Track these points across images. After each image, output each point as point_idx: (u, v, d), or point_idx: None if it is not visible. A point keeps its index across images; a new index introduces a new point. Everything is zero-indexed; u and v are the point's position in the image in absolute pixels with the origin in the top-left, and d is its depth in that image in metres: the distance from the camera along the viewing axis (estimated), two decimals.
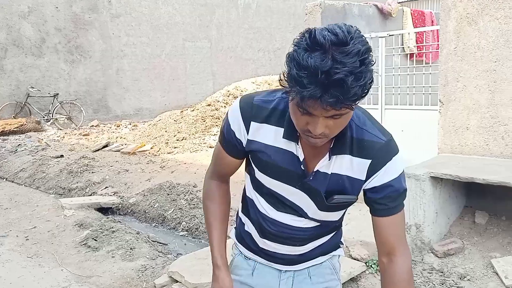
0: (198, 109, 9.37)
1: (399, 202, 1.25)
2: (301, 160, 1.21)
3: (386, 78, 4.73)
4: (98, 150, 8.18)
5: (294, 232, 1.34)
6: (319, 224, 1.34)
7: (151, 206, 5.33)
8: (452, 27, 3.91)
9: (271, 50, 16.09)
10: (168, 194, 5.39)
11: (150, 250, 4.09)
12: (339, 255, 1.50)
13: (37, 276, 3.60)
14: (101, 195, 5.87)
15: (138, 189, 5.85)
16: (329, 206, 1.27)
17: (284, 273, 1.44)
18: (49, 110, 11.35)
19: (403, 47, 5.79)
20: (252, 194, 1.39)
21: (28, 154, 8.13)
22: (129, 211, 5.47)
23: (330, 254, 1.47)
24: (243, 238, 1.47)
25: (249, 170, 1.37)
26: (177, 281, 3.33)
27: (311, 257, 1.42)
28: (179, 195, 5.30)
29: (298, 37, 1.01)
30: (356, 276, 3.33)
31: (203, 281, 3.14)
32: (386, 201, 1.23)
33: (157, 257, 3.94)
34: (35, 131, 10.46)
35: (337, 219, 1.38)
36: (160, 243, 4.43)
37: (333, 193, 1.24)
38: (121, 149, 8.08)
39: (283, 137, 1.21)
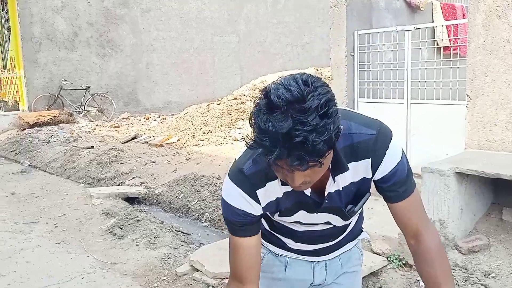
0: (224, 102, 9.44)
1: (409, 183, 1.24)
2: (309, 194, 1.21)
3: (413, 72, 4.65)
4: (127, 141, 8.35)
5: (325, 233, 1.36)
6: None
7: (176, 196, 5.42)
8: (481, 20, 3.81)
9: (299, 44, 15.99)
10: (193, 186, 5.47)
11: (173, 239, 4.17)
12: (363, 239, 1.55)
13: (64, 262, 3.73)
14: (128, 185, 6.00)
15: (164, 180, 5.95)
16: (353, 214, 1.30)
17: (317, 264, 1.46)
18: (81, 103, 11.65)
19: (436, 41, 5.67)
20: (276, 220, 1.36)
21: (60, 145, 8.38)
22: (154, 201, 5.58)
23: (357, 239, 1.51)
24: (271, 239, 1.45)
25: None
26: (198, 270, 3.40)
27: (341, 245, 1.46)
28: (203, 186, 5.37)
29: (258, 96, 0.98)
30: (377, 270, 3.31)
31: (222, 271, 3.18)
32: (397, 187, 1.23)
33: (179, 246, 4.01)
34: (67, 123, 10.76)
35: (361, 211, 1.43)
36: (184, 233, 4.51)
37: (352, 202, 1.26)
38: (149, 141, 8.23)
39: (282, 185, 1.19)
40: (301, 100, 0.92)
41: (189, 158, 6.81)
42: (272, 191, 1.21)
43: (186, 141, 8.02)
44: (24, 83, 11.33)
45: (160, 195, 5.58)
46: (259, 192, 1.20)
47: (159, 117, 11.99)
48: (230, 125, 8.57)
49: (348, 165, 1.18)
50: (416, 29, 4.57)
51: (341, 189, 1.22)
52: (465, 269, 3.21)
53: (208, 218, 4.82)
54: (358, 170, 1.21)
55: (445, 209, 3.43)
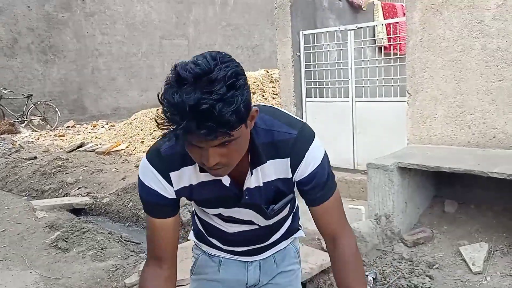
0: None
1: (329, 187, 1.24)
2: (228, 185, 1.19)
3: (356, 71, 4.74)
4: (72, 150, 8.05)
5: (255, 234, 1.36)
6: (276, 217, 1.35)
7: (125, 205, 5.26)
8: (418, 18, 3.94)
9: (249, 47, 16.05)
10: None
11: (122, 249, 4.03)
12: (299, 237, 1.53)
13: (4, 280, 3.51)
14: (74, 196, 5.77)
15: (112, 189, 5.77)
16: (274, 213, 1.28)
17: (250, 264, 1.46)
18: (23, 112, 11.12)
19: (375, 40, 5.82)
20: (202, 215, 1.38)
21: (1, 157, 7.96)
22: (102, 211, 5.39)
23: (292, 237, 1.50)
24: (204, 239, 1.46)
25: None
26: None
27: (275, 244, 1.45)
28: None
29: (169, 74, 0.99)
30: (327, 268, 3.33)
31: None
32: (316, 191, 1.22)
33: (128, 256, 3.88)
34: (9, 133, 10.23)
35: (287, 213, 1.40)
36: (133, 242, 4.38)
37: (272, 201, 1.25)
38: (96, 149, 7.97)
39: (200, 172, 1.18)
40: (208, 72, 0.92)
41: (139, 165, 6.62)
42: (187, 176, 1.19)
43: (135, 148, 7.82)
44: None
45: (108, 205, 5.40)
46: (172, 175, 1.19)
47: (107, 124, 11.65)
48: None
49: (268, 162, 1.18)
50: (358, 28, 4.67)
51: (261, 185, 1.21)
52: (411, 261, 3.29)
53: None
54: (278, 168, 1.20)
55: (390, 204, 3.52)
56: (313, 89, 5.09)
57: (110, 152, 7.70)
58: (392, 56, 4.64)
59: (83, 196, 5.71)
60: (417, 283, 3.04)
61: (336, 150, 4.91)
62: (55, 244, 4.15)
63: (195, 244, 1.51)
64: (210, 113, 0.91)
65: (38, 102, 11.32)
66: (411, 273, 3.15)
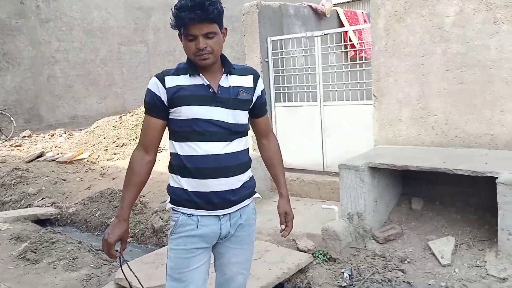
0: (137, 113, 9.14)
1: (265, 105, 1.98)
2: (207, 84, 1.74)
3: (323, 76, 4.88)
4: (31, 160, 7.76)
5: (223, 160, 1.75)
6: (238, 137, 1.79)
7: (93, 214, 5.15)
8: (382, 24, 4.12)
9: None
10: (110, 201, 5.24)
11: (94, 258, 3.96)
12: (256, 198, 2.00)
13: None
14: (37, 206, 5.59)
15: (77, 198, 5.63)
16: (238, 102, 1.78)
17: (222, 218, 1.81)
18: None
19: (342, 45, 5.99)
20: (179, 148, 1.77)
21: None
22: (69, 221, 5.26)
23: (252, 197, 1.92)
24: (181, 200, 1.79)
25: (173, 130, 1.78)
26: None
27: (241, 199, 1.84)
28: None
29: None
30: (304, 267, 3.41)
31: (152, 285, 3.08)
32: (263, 106, 1.94)
33: (102, 265, 3.82)
34: None
35: (246, 123, 1.85)
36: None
37: (238, 104, 1.78)
38: (57, 158, 7.72)
39: (189, 75, 1.74)
40: None
41: (104, 174, 6.50)
42: (178, 80, 1.74)
43: (98, 156, 7.63)
44: None
45: (75, 214, 5.27)
46: (167, 78, 1.74)
47: (65, 133, 11.28)
48: None
49: (236, 76, 1.80)
50: (325, 34, 4.81)
51: (229, 86, 1.78)
52: (383, 257, 3.42)
53: (129, 233, 4.63)
54: (243, 80, 1.82)
55: (362, 202, 3.64)
56: (281, 93, 5.19)
57: (72, 161, 7.48)
58: (358, 61, 4.80)
59: (47, 206, 5.54)
60: (391, 278, 3.17)
61: (305, 153, 5.03)
62: (23, 256, 4.02)
63: (173, 210, 1.84)
64: (201, 5, 1.61)
65: None
66: (385, 268, 3.28)
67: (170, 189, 1.84)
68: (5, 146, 9.76)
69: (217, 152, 1.74)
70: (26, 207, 5.66)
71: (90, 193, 5.67)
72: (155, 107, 1.75)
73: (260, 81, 1.88)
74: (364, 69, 4.62)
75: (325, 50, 4.92)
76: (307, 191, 4.83)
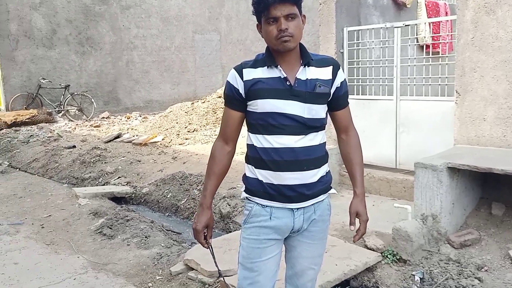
0: (209, 101, 9.37)
1: (347, 97, 1.90)
2: (284, 77, 1.72)
3: (401, 69, 4.69)
4: (110, 141, 8.21)
5: (298, 154, 1.73)
6: (314, 131, 1.76)
7: (164, 196, 5.35)
8: (470, 16, 3.87)
9: None
10: (181, 184, 5.41)
11: (165, 238, 4.11)
12: (331, 194, 1.96)
13: (54, 263, 3.63)
14: (114, 184, 5.90)
15: (150, 180, 5.87)
16: (315, 96, 1.73)
17: (296, 211, 1.80)
18: (60, 102, 11.41)
19: (417, 38, 5.74)
20: (255, 140, 1.78)
21: (41, 145, 8.19)
22: (142, 200, 5.50)
23: (327, 193, 1.89)
24: (256, 190, 1.81)
25: (250, 122, 1.79)
26: (193, 269, 3.35)
27: (316, 194, 1.81)
28: (191, 185, 5.31)
29: None
30: (371, 266, 3.32)
31: (220, 269, 3.14)
32: (344, 97, 1.86)
33: (172, 245, 3.96)
34: (46, 122, 10.51)
35: (322, 117, 1.80)
36: (174, 232, 4.46)
37: (314, 98, 1.74)
38: (133, 140, 8.11)
39: (266, 66, 1.73)
40: None
41: (176, 157, 6.73)
42: (255, 73, 1.74)
43: (171, 140, 7.92)
44: (1, 82, 11.02)
45: (148, 195, 5.50)
46: (245, 70, 1.76)
47: (140, 116, 11.83)
48: (215, 123, 8.51)
49: (314, 67, 1.76)
50: (406, 26, 4.61)
51: (306, 79, 1.74)
52: (459, 263, 3.25)
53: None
54: (322, 72, 1.77)
55: (438, 204, 3.48)
56: (355, 86, 5.05)
57: (146, 143, 7.83)
58: (433, 55, 4.55)
59: (123, 185, 5.83)
60: (466, 285, 3.01)
61: (378, 148, 4.88)
62: (100, 230, 4.27)
63: (247, 199, 1.85)
64: None
65: (75, 93, 11.59)
66: (460, 274, 3.11)
67: (246, 179, 1.87)
68: (86, 126, 10.40)
69: (292, 145, 1.73)
70: (104, 185, 6.00)
71: (162, 175, 5.89)
72: (233, 100, 1.78)
73: (340, 72, 1.81)
74: (446, 64, 4.38)
75: (404, 42, 4.72)
76: (377, 188, 4.69)
